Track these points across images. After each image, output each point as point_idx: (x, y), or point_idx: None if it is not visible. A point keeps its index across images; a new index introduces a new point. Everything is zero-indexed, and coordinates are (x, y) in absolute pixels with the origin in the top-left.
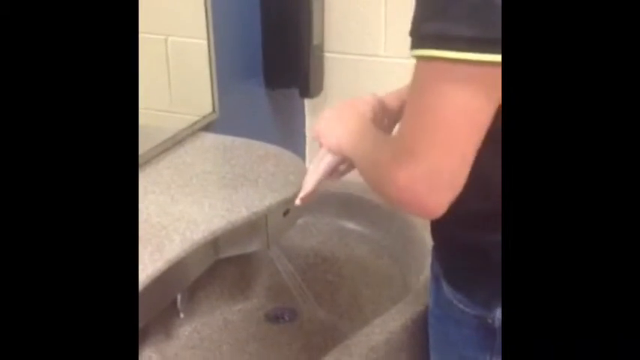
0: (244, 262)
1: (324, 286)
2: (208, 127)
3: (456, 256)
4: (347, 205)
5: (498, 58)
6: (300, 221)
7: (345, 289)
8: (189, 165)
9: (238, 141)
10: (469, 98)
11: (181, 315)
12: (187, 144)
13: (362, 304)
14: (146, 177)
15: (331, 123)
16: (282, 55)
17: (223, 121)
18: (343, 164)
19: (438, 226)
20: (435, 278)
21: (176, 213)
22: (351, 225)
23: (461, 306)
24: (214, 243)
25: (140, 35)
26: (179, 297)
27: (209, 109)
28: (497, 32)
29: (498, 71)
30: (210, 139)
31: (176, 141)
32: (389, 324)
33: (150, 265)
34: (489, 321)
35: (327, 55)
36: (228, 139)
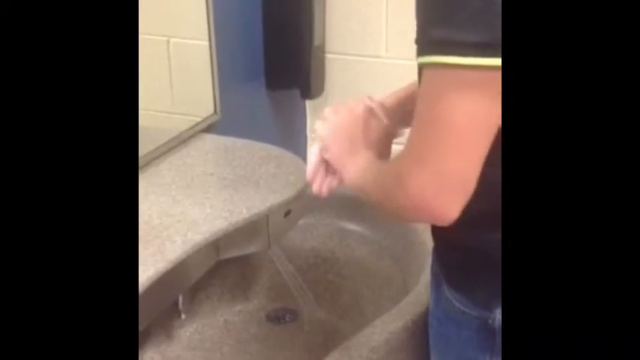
0: (245, 263)
1: (324, 286)
2: (210, 128)
3: (456, 257)
4: (347, 206)
5: None
6: (300, 222)
7: (346, 290)
8: (191, 166)
9: (239, 142)
10: (477, 103)
11: (183, 316)
12: (189, 145)
13: (362, 304)
14: (147, 178)
15: (343, 156)
16: (284, 57)
17: (225, 122)
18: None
19: (439, 227)
20: (436, 279)
21: (177, 214)
22: (351, 226)
23: (461, 307)
24: (215, 244)
25: (142, 36)
26: (180, 298)
27: (210, 110)
28: (501, 36)
29: None
30: (211, 140)
31: (178, 142)
32: (389, 324)
33: (151, 266)
34: (490, 322)
35: (328, 56)
36: (229, 140)
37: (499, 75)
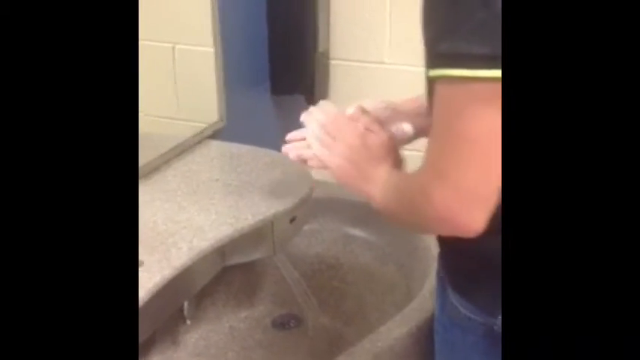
0: (250, 269)
1: (329, 292)
2: (215, 134)
3: (462, 263)
4: (352, 212)
5: None
6: (305, 228)
7: (350, 296)
8: (196, 172)
9: (245, 148)
10: (492, 114)
11: (188, 322)
12: (194, 151)
13: (367, 310)
14: (153, 185)
15: (359, 179)
16: (288, 63)
17: (230, 128)
18: None
19: None
20: (441, 285)
21: (183, 220)
22: (356, 232)
23: (467, 312)
24: (221, 250)
25: (147, 43)
26: (186, 304)
27: (216, 116)
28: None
29: None
30: (216, 146)
31: (183, 149)
32: (394, 331)
33: (157, 272)
34: (495, 328)
35: (332, 62)
36: (234, 147)
37: None
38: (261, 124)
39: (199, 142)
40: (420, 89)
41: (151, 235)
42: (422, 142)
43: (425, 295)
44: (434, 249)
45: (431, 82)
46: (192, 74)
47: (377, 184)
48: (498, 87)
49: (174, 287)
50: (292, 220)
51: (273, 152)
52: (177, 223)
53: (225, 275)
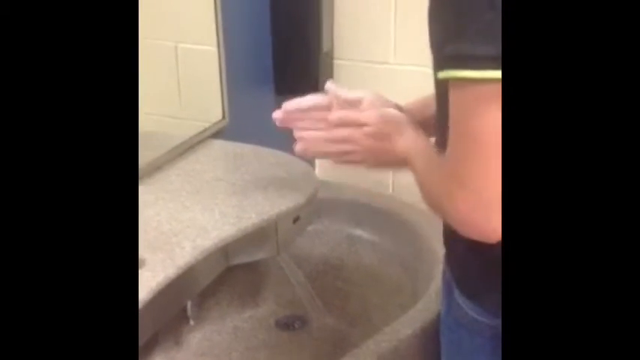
0: (254, 269)
1: (333, 293)
2: (218, 133)
3: (468, 264)
4: (356, 212)
5: None
6: (309, 228)
7: (355, 297)
8: (200, 172)
9: (248, 148)
10: (499, 115)
11: (191, 322)
12: (197, 151)
13: (371, 311)
14: (156, 184)
15: (400, 121)
16: (292, 62)
17: (233, 127)
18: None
19: (451, 235)
20: (447, 286)
21: (186, 220)
22: (360, 232)
23: (473, 314)
24: (224, 250)
25: (150, 42)
26: (189, 304)
27: (219, 115)
28: None
29: None
30: (220, 146)
31: (186, 148)
32: (398, 332)
33: (161, 272)
34: None
35: (336, 61)
36: (238, 146)
37: None
38: (264, 123)
39: (202, 142)
40: (424, 89)
41: (154, 234)
42: None
43: (430, 296)
44: (439, 250)
45: (439, 84)
46: (196, 73)
47: (407, 144)
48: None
49: (177, 287)
50: (296, 220)
51: (277, 152)
52: (181, 223)
53: (228, 275)
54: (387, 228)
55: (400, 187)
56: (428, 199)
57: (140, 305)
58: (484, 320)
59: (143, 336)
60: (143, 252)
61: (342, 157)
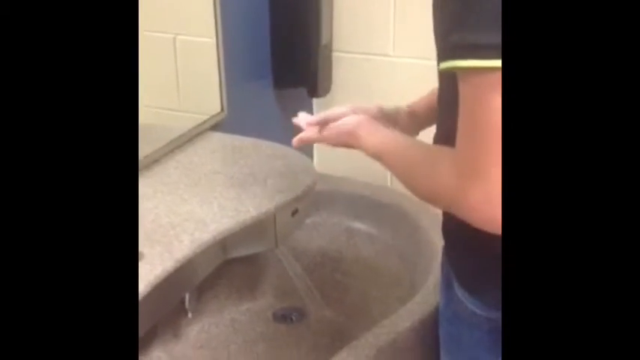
0: (252, 262)
1: (331, 286)
2: (217, 126)
3: (468, 258)
4: (355, 205)
5: None
6: (308, 221)
7: (353, 290)
8: (198, 165)
9: (247, 140)
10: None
11: (189, 315)
12: (196, 143)
13: (370, 304)
14: (155, 176)
15: (368, 124)
16: (291, 55)
17: (232, 120)
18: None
19: (451, 228)
20: (446, 280)
21: (185, 213)
22: (358, 225)
23: (473, 308)
24: (223, 243)
25: (149, 34)
26: (187, 297)
27: (217, 108)
28: None
29: None
30: (218, 138)
31: (184, 140)
32: (397, 324)
33: (159, 265)
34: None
35: (335, 54)
36: (236, 139)
37: None
38: (263, 116)
39: (201, 134)
40: (423, 81)
41: (152, 227)
42: None
43: (428, 289)
44: (437, 242)
45: (443, 74)
46: (194, 66)
47: (388, 133)
48: None
49: (175, 280)
50: (294, 213)
51: (275, 144)
52: (179, 216)
53: (226, 268)
54: (385, 220)
55: None
56: (423, 192)
57: (139, 298)
58: (483, 314)
59: (142, 328)
60: (141, 245)
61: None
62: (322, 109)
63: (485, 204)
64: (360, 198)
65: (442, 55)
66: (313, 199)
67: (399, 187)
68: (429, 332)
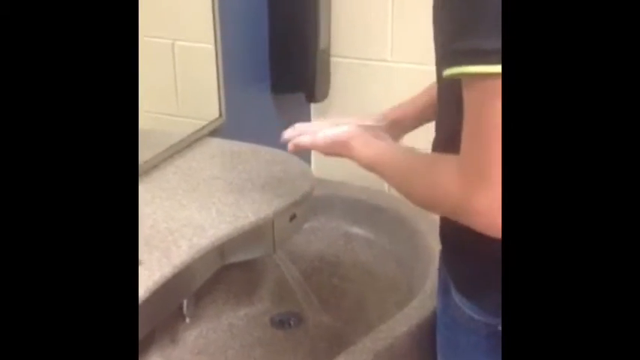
0: (250, 267)
1: (329, 290)
2: (215, 131)
3: (466, 263)
4: (352, 209)
5: None
6: (305, 226)
7: (351, 294)
8: (196, 170)
9: (245, 146)
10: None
11: (187, 320)
12: (194, 149)
13: (367, 309)
14: (153, 182)
15: (362, 136)
16: (289, 60)
17: (230, 125)
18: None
19: (448, 232)
20: (444, 285)
21: (183, 218)
22: (356, 230)
23: (470, 313)
24: (221, 248)
25: (147, 39)
26: (185, 302)
27: (216, 113)
28: None
29: None
30: (216, 144)
31: (183, 146)
32: (394, 329)
33: (157, 270)
34: (499, 328)
35: (333, 59)
36: (234, 144)
37: None
38: (261, 121)
39: (199, 140)
40: (421, 87)
41: (150, 232)
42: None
43: (426, 294)
44: (435, 247)
45: (444, 81)
46: (193, 71)
47: (384, 144)
48: None
49: (173, 285)
50: (292, 218)
51: (274, 150)
52: (178, 221)
53: (224, 273)
54: (383, 225)
55: None
56: (423, 199)
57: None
58: (480, 319)
59: (139, 334)
60: (140, 251)
61: None
62: (320, 114)
63: (491, 209)
64: (358, 203)
65: (446, 62)
66: (311, 204)
67: (397, 192)
68: (427, 337)
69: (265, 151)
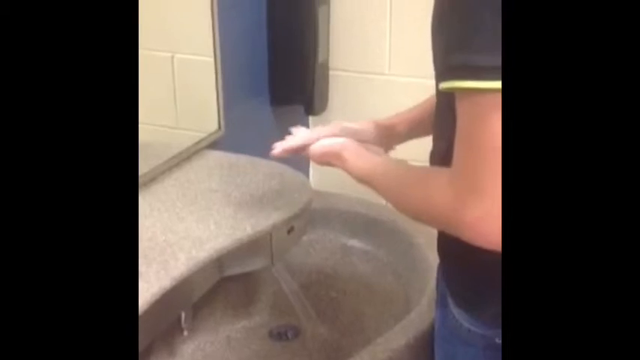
0: (248, 280)
1: (327, 303)
2: (214, 144)
3: (463, 276)
4: (350, 222)
5: None
6: (303, 238)
7: (348, 307)
8: (195, 183)
9: (243, 159)
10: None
11: (185, 332)
12: (193, 161)
13: (365, 321)
14: (152, 194)
15: (354, 148)
16: (288, 73)
17: (229, 138)
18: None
19: (446, 245)
20: (442, 297)
21: (181, 231)
22: (354, 242)
23: (468, 325)
24: (219, 261)
25: (147, 52)
26: (183, 314)
27: (215, 126)
28: None
29: None
30: (215, 156)
31: (182, 158)
32: (392, 342)
33: (155, 283)
34: (497, 340)
35: (331, 72)
36: (233, 157)
37: None
38: (260, 134)
39: (198, 152)
40: (419, 100)
41: (149, 245)
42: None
43: (423, 306)
44: (432, 260)
45: (442, 94)
46: (192, 84)
47: (369, 158)
48: None
49: (172, 298)
50: (290, 231)
51: (272, 163)
52: (176, 234)
53: (222, 286)
54: (380, 238)
55: None
56: (416, 212)
57: None
58: (478, 331)
59: (138, 346)
60: (139, 263)
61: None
62: (318, 126)
63: (482, 220)
64: (356, 215)
65: (442, 75)
66: (309, 216)
67: None
68: (424, 349)
69: (264, 164)
